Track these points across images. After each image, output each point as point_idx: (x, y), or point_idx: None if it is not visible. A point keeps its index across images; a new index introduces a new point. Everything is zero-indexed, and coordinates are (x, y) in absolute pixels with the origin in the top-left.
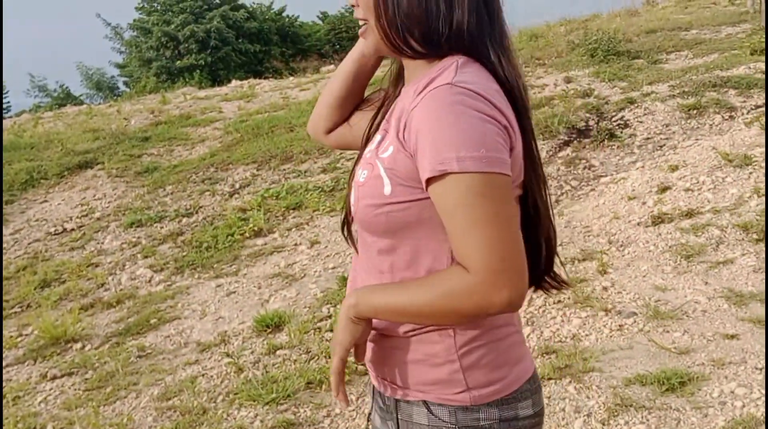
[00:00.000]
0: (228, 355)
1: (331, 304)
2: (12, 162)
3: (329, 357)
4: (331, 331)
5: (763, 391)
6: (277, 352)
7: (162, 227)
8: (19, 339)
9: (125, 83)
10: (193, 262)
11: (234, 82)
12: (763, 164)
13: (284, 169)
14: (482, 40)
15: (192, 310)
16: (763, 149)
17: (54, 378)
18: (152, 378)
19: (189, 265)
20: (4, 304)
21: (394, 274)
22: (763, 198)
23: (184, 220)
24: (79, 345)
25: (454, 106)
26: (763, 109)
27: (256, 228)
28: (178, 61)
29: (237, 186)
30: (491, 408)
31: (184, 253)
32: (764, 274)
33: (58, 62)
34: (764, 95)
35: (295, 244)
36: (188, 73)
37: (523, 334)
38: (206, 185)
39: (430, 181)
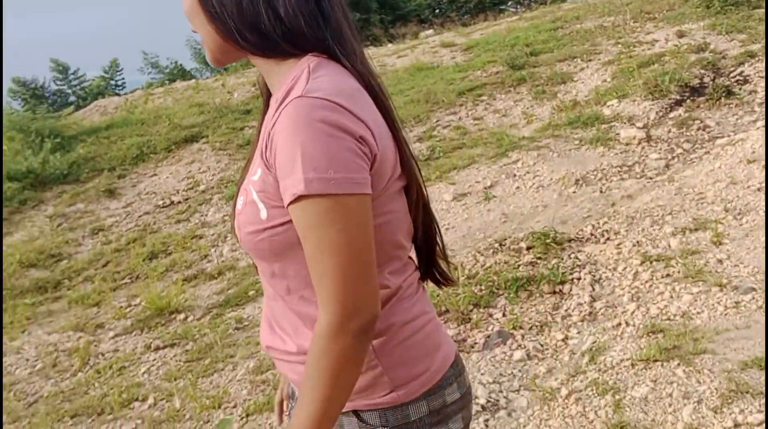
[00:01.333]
0: None
1: None
2: (124, 137)
3: None
4: None
5: None
6: None
7: None
8: (127, 309)
9: None
10: None
11: None
12: None
13: None
14: (322, 36)
15: None
16: None
17: (157, 349)
18: (248, 351)
19: None
20: (116, 274)
21: (293, 295)
22: None
23: None
24: (182, 316)
25: (302, 122)
26: None
27: None
28: None
29: None
30: (419, 402)
31: None
32: None
33: (173, 39)
34: None
35: None
36: None
37: (437, 319)
38: None
39: (289, 204)
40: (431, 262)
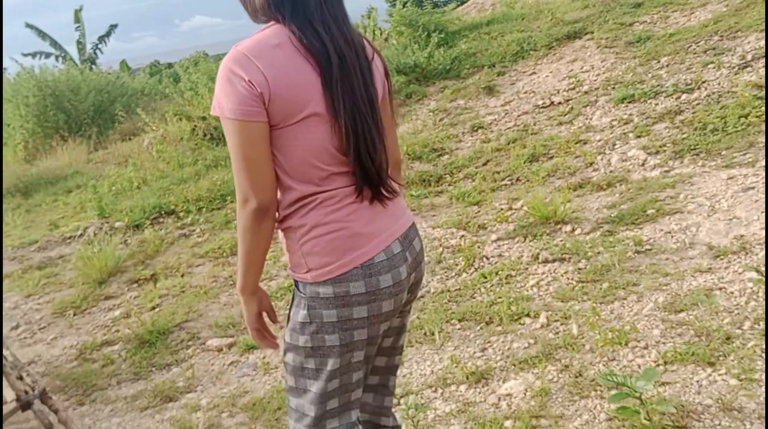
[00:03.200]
0: (755, 270)
1: None
2: (504, 33)
3: None
4: None
5: None
6: None
7: (657, 104)
8: (509, 213)
9: None
10: (696, 147)
11: None
12: None
13: None
14: (284, 8)
15: (697, 204)
16: None
17: (546, 261)
18: (654, 281)
19: (690, 149)
20: (495, 174)
21: None
22: None
23: (684, 96)
24: (568, 228)
25: (222, 65)
26: None
27: None
28: None
29: (749, 57)
30: (327, 285)
31: (684, 136)
32: None
33: None
34: None
35: None
36: None
37: (364, 229)
38: (709, 56)
39: None
40: (369, 181)
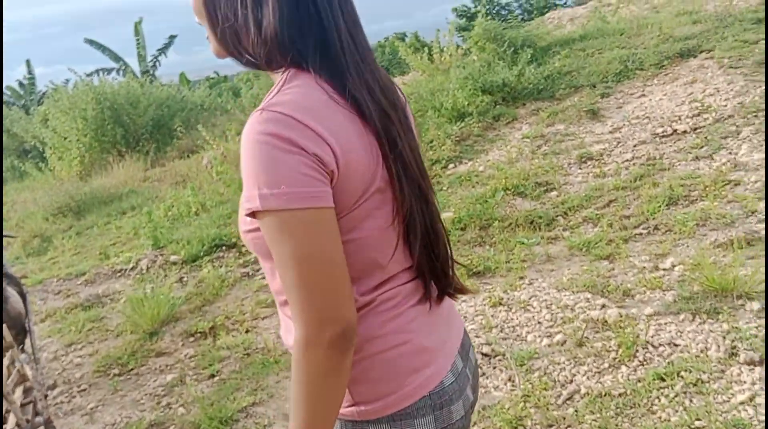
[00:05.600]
0: None
1: None
2: (602, 50)
3: None
4: None
5: None
6: None
7: None
8: (659, 275)
9: None
10: None
11: None
12: None
13: None
14: (306, 50)
15: None
16: None
17: (751, 363)
18: None
19: None
20: (625, 220)
21: (280, 296)
22: None
23: None
24: (755, 306)
25: (258, 137)
26: None
27: None
28: None
29: None
30: (381, 424)
31: None
32: None
33: None
34: None
35: None
36: None
37: (428, 341)
38: None
39: (249, 217)
40: (435, 277)
